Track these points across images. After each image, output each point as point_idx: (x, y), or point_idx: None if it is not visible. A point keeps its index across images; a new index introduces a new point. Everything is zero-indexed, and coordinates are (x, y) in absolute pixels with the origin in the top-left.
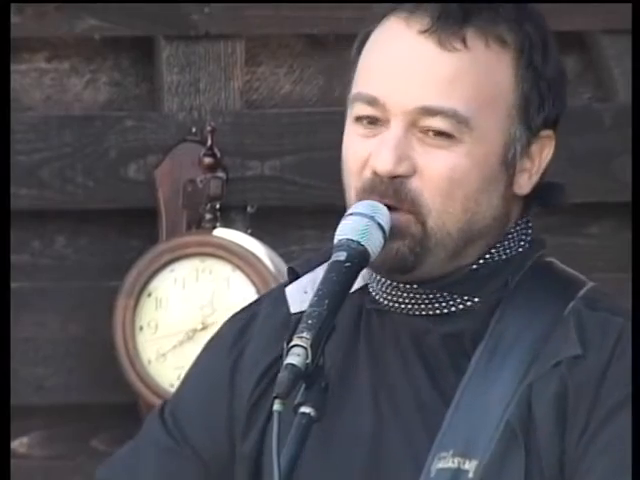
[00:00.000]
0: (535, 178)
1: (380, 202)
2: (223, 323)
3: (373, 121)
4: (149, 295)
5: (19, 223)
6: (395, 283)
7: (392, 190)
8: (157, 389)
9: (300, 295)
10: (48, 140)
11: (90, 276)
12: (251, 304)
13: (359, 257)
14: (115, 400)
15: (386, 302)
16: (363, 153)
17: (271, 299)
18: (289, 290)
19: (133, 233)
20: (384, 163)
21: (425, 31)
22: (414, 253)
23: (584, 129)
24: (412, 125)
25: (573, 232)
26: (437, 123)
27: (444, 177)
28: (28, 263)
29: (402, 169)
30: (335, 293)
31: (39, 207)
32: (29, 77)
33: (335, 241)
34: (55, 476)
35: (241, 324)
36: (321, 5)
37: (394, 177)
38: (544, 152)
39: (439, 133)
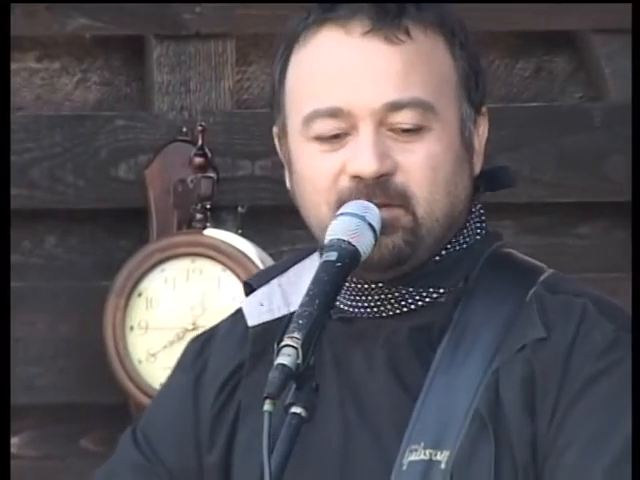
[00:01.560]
0: (481, 156)
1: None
2: (186, 345)
3: (336, 135)
4: (139, 295)
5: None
6: (360, 286)
7: (379, 190)
8: (147, 389)
9: (256, 308)
10: (38, 140)
11: (80, 276)
12: (211, 327)
13: (350, 257)
14: (105, 400)
15: (351, 309)
16: (333, 166)
17: (230, 318)
18: (245, 304)
19: (123, 233)
20: (369, 164)
21: (369, 32)
22: (409, 244)
23: (575, 128)
24: (380, 125)
25: (563, 232)
26: (405, 117)
27: (425, 166)
28: (18, 263)
29: (386, 167)
30: (326, 293)
31: (29, 207)
32: (19, 76)
33: (326, 241)
34: (45, 476)
35: (201, 342)
36: (312, 5)
37: (379, 177)
38: (481, 129)
39: (407, 130)
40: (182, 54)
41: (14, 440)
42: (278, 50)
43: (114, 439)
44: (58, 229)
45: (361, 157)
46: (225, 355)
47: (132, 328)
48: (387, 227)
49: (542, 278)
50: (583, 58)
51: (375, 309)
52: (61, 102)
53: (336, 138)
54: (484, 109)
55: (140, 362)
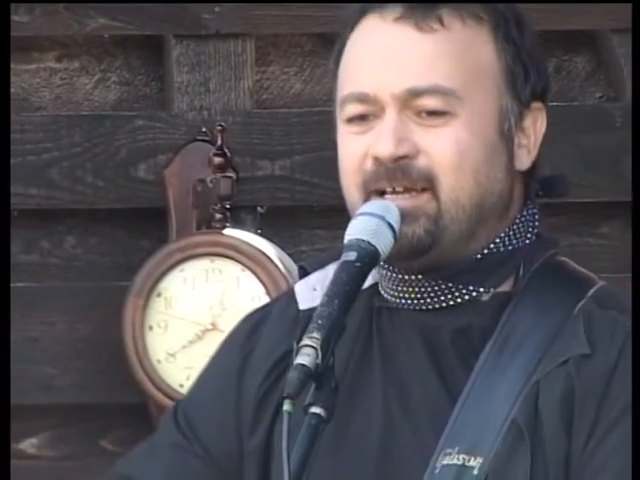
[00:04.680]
0: (534, 153)
1: (390, 187)
2: (237, 322)
3: (365, 117)
4: (159, 295)
5: (28, 223)
6: (401, 276)
7: (400, 172)
8: (166, 389)
9: (309, 292)
10: (58, 140)
11: (99, 276)
12: (266, 304)
13: (369, 257)
14: (124, 400)
15: (394, 299)
16: (360, 149)
17: (284, 298)
18: (298, 288)
19: (143, 233)
20: (385, 147)
21: (400, 18)
22: (430, 233)
23: (595, 128)
24: (405, 108)
25: (584, 232)
26: (426, 102)
27: (451, 152)
28: (37, 263)
29: (404, 149)
30: (345, 293)
31: (48, 207)
32: (38, 77)
33: (345, 241)
34: (64, 476)
35: (253, 323)
36: (331, 4)
37: (397, 159)
38: (537, 125)
39: (432, 112)
40: (202, 54)
41: (33, 441)
42: (336, 42)
43: (133, 439)
44: (77, 229)
45: (380, 140)
46: (276, 338)
47: (151, 328)
48: (408, 215)
49: (592, 292)
50: (603, 58)
51: (415, 301)
52: (80, 102)
53: (365, 120)
54: (538, 104)
55: (159, 362)
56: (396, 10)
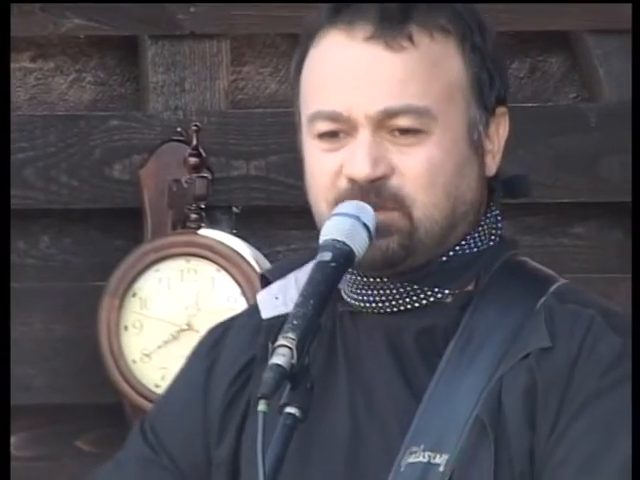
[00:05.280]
0: (498, 157)
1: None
2: (202, 335)
3: (336, 134)
4: (134, 295)
5: None
6: (366, 279)
7: (373, 193)
8: (141, 389)
9: (271, 301)
10: (32, 140)
11: (75, 276)
12: (229, 318)
13: (344, 257)
14: (100, 400)
15: (357, 303)
16: (332, 166)
17: (246, 311)
18: (260, 297)
19: (118, 233)
20: (361, 168)
21: (370, 37)
22: (404, 247)
23: (569, 129)
24: (379, 128)
25: (558, 232)
26: (401, 122)
27: (423, 171)
28: (14, 264)
29: (380, 171)
30: (320, 293)
31: (23, 207)
32: (14, 77)
33: (320, 241)
34: (40, 477)
35: (217, 334)
36: (307, 5)
37: (373, 181)
38: (500, 130)
39: (405, 131)
40: (177, 54)
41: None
42: (297, 47)
43: (109, 440)
44: (52, 229)
45: (355, 161)
46: (238, 347)
47: (126, 328)
48: (382, 229)
49: (553, 288)
50: (578, 59)
51: (380, 304)
52: (55, 102)
53: (336, 137)
54: (503, 109)
55: (134, 362)
56: (366, 29)
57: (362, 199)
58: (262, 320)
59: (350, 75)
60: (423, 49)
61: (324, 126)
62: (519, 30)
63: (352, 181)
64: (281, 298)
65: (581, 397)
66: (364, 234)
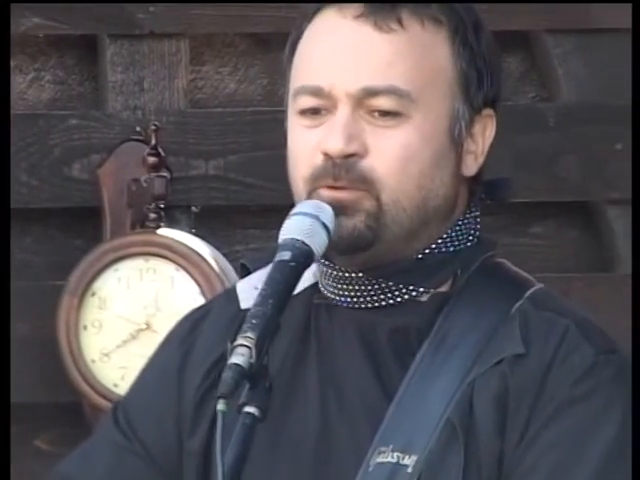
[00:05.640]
0: (481, 159)
1: (333, 186)
2: (177, 321)
3: (317, 111)
4: (93, 294)
5: None
6: (341, 274)
7: (345, 170)
8: (101, 388)
9: (250, 291)
10: None
11: (34, 275)
12: (205, 303)
13: (304, 257)
14: (59, 400)
15: (333, 296)
16: (311, 142)
17: (224, 296)
18: (239, 286)
19: (77, 232)
20: (335, 143)
21: (360, 16)
22: (371, 229)
23: (528, 128)
24: (358, 106)
25: (518, 232)
26: (381, 102)
27: (397, 155)
28: None
29: (353, 147)
30: (279, 292)
31: None
32: None
33: (280, 240)
34: None
35: (192, 321)
36: (266, 5)
37: (346, 157)
38: (486, 132)
39: (385, 113)
40: (136, 53)
41: None
42: (293, 29)
43: (68, 439)
44: (12, 229)
45: (330, 136)
46: (215, 336)
47: (86, 327)
48: (348, 208)
49: (529, 293)
50: (536, 58)
51: (355, 299)
52: (14, 101)
53: (317, 114)
54: (489, 111)
55: (94, 361)
56: (357, 7)
57: (334, 178)
58: (240, 310)
59: (337, 52)
60: (412, 34)
61: (306, 101)
62: None
63: (326, 156)
64: (260, 288)
65: (552, 406)
66: (323, 234)
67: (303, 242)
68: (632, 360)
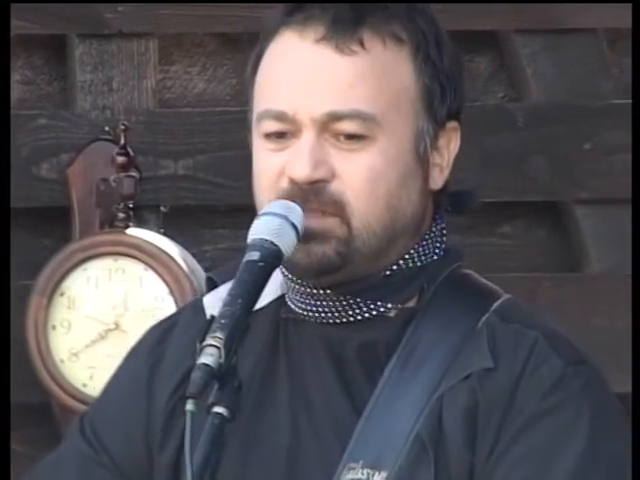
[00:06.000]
0: (446, 172)
1: (303, 208)
2: (145, 332)
3: (282, 135)
4: (62, 294)
5: None
6: (309, 290)
7: (313, 195)
8: (69, 388)
9: (218, 304)
10: None
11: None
12: (173, 314)
13: (272, 257)
14: (28, 400)
15: (301, 311)
16: (276, 166)
17: (191, 308)
18: (207, 300)
19: (46, 232)
20: (301, 169)
21: (321, 39)
22: (340, 255)
23: (497, 128)
24: (323, 131)
25: (486, 232)
26: (345, 126)
27: (364, 178)
28: None
29: (320, 173)
30: (248, 292)
31: None
32: None
33: (248, 241)
34: None
35: (161, 331)
36: (235, 4)
37: (313, 183)
38: (451, 145)
39: (350, 136)
40: (104, 53)
41: None
42: (254, 47)
43: (37, 439)
44: None
45: (296, 162)
46: (184, 348)
47: (54, 327)
48: (319, 236)
49: (496, 305)
50: (505, 58)
51: (323, 314)
52: None
53: (282, 138)
54: (454, 124)
55: (62, 361)
56: (317, 30)
57: (302, 201)
58: (207, 321)
59: (299, 76)
60: (374, 55)
61: (270, 126)
62: (446, 29)
63: (293, 182)
64: None
65: (522, 419)
66: (292, 234)
67: (272, 242)
68: (632, 360)
